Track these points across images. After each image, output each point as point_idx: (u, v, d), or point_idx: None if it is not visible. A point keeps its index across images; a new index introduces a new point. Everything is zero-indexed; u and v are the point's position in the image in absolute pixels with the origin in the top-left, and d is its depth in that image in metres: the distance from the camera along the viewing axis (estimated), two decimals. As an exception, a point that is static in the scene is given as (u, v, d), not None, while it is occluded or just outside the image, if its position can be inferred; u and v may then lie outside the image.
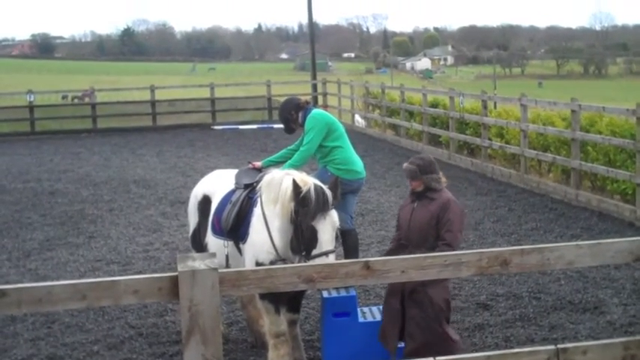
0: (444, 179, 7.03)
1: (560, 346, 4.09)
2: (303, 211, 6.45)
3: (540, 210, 14.33)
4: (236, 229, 7.22)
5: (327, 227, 6.45)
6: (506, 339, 8.07)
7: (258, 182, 7.29)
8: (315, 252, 6.39)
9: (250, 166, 8.13)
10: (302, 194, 6.47)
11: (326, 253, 6.38)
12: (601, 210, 13.90)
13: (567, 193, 15.09)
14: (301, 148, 8.44)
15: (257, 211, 7.04)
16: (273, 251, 6.82)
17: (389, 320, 6.77)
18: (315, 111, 8.70)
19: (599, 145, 15.13)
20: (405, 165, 7.04)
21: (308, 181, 6.62)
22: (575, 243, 4.12)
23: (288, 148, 8.76)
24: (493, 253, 3.99)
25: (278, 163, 8.47)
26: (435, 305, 6.56)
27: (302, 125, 8.68)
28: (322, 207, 6.45)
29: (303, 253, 6.46)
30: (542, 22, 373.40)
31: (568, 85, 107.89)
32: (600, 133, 15.05)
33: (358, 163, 8.75)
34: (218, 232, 7.44)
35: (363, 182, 8.99)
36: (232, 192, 7.54)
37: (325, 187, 6.59)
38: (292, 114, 8.70)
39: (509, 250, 4.02)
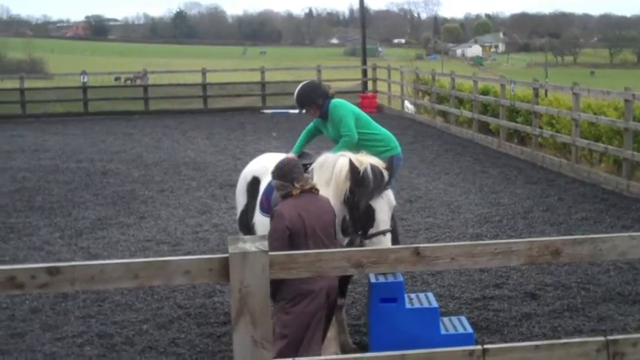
0: (297, 187, 6.25)
1: (609, 337, 4.05)
2: (361, 190, 6.48)
3: (591, 200, 14.16)
4: None
5: (384, 206, 6.51)
6: (553, 329, 8.02)
7: (310, 164, 7.31)
8: (372, 231, 6.44)
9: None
10: (360, 174, 6.49)
11: (383, 232, 6.44)
12: (653, 201, 13.70)
13: (619, 184, 14.90)
14: (343, 138, 8.21)
15: None
16: None
17: None
18: (337, 100, 8.54)
19: (653, 136, 14.90)
20: None
21: (364, 161, 6.63)
22: (628, 234, 4.07)
23: (307, 129, 8.65)
24: (544, 243, 3.95)
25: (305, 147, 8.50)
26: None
27: (321, 115, 8.49)
28: (379, 186, 6.48)
29: (360, 232, 6.50)
30: (595, 10, 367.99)
31: (621, 74, 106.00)
32: (655, 123, 14.81)
33: (394, 140, 8.60)
34: (266, 209, 7.45)
35: (401, 158, 8.78)
36: None
37: (382, 166, 6.60)
38: (319, 100, 8.44)
39: (561, 240, 3.99)
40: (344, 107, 8.40)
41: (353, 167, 6.55)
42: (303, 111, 8.63)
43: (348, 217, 6.72)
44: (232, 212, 12.44)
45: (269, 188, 7.53)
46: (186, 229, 12.56)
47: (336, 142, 8.44)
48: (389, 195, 6.57)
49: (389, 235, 6.46)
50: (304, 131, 8.65)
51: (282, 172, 6.40)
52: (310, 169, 7.23)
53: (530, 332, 7.97)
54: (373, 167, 6.55)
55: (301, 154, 8.12)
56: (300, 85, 8.67)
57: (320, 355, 6.28)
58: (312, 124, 8.68)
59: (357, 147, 8.06)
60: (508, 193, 14.85)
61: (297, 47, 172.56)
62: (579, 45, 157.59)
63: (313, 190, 6.34)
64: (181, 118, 30.34)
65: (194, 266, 3.67)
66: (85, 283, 3.65)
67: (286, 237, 6.03)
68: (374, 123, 8.61)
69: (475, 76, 24.56)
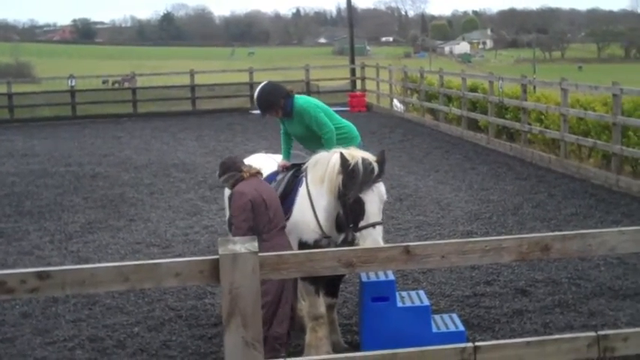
0: (243, 173, 6.98)
1: (600, 332, 4.07)
2: (351, 182, 6.50)
3: (580, 195, 14.20)
4: None
5: (375, 199, 6.51)
6: (545, 325, 8.03)
7: (303, 164, 7.33)
8: (362, 223, 6.44)
9: (279, 169, 7.83)
10: (350, 166, 6.51)
11: (373, 225, 6.43)
12: (642, 196, 13.74)
13: (608, 179, 14.94)
14: (325, 136, 7.94)
15: (302, 190, 7.10)
16: (319, 230, 6.90)
17: None
18: (301, 98, 8.32)
19: (641, 130, 14.94)
20: None
21: (355, 155, 6.67)
22: (617, 229, 4.09)
23: (284, 133, 8.38)
24: (534, 239, 3.96)
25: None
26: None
27: (284, 114, 8.18)
28: (369, 179, 6.49)
29: (351, 226, 6.51)
30: (582, 5, 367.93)
31: (609, 68, 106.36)
32: (642, 117, 14.86)
33: (354, 130, 8.47)
34: None
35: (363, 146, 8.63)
36: (276, 173, 7.60)
37: (372, 160, 6.62)
38: (281, 101, 8.08)
39: (551, 236, 4.00)
40: (311, 105, 8.08)
41: (343, 160, 6.58)
42: (267, 115, 8.34)
43: (342, 213, 6.73)
44: (222, 214, 12.43)
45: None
46: (177, 232, 12.54)
47: (301, 139, 8.26)
48: (380, 188, 6.57)
49: (379, 228, 6.45)
50: (282, 135, 8.39)
51: (226, 165, 7.11)
52: (304, 167, 7.24)
53: (521, 329, 7.99)
54: (364, 160, 6.57)
55: (292, 157, 8.08)
56: (259, 89, 8.25)
57: (292, 312, 6.86)
58: (282, 126, 8.46)
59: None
60: (498, 190, 14.88)
61: (285, 47, 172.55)
62: (567, 40, 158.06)
63: (258, 175, 7.05)
64: (170, 120, 30.31)
65: (185, 268, 3.66)
66: (75, 287, 3.65)
67: (250, 210, 6.66)
68: (336, 115, 8.47)
69: (463, 74, 24.56)
